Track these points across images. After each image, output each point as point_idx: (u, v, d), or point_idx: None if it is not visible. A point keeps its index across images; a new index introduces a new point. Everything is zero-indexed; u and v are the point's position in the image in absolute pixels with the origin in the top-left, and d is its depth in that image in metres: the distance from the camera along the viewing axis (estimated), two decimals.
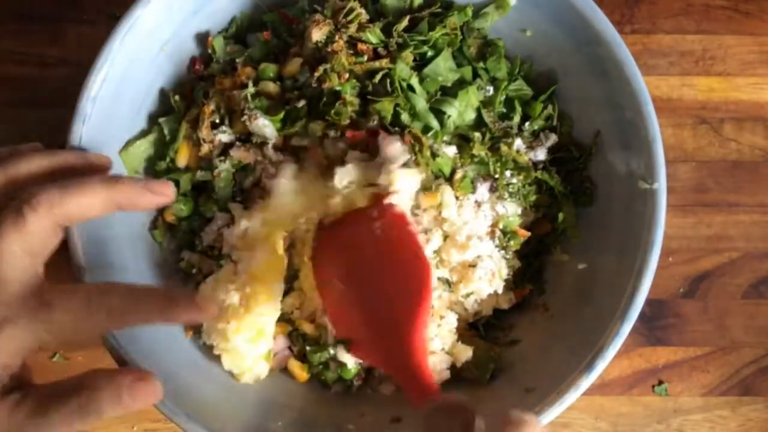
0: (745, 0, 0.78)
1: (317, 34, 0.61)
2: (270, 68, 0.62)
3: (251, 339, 0.58)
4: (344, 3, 0.61)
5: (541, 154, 0.64)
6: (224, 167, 0.61)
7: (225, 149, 0.62)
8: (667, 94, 0.76)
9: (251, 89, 0.61)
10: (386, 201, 0.57)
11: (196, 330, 0.61)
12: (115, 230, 0.59)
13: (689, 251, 0.74)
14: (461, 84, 0.62)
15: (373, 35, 0.61)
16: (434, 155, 0.59)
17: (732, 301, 0.74)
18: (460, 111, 0.61)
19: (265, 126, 0.60)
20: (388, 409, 0.61)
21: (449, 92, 0.61)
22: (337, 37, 0.60)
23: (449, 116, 0.60)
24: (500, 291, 0.62)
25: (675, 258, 0.75)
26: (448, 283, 0.61)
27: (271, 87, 0.61)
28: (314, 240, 0.60)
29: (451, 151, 0.60)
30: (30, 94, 0.75)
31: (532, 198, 0.63)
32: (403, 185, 0.57)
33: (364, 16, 0.62)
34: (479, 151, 0.61)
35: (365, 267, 0.57)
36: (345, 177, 0.58)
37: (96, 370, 0.47)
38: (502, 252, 0.62)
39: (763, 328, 0.74)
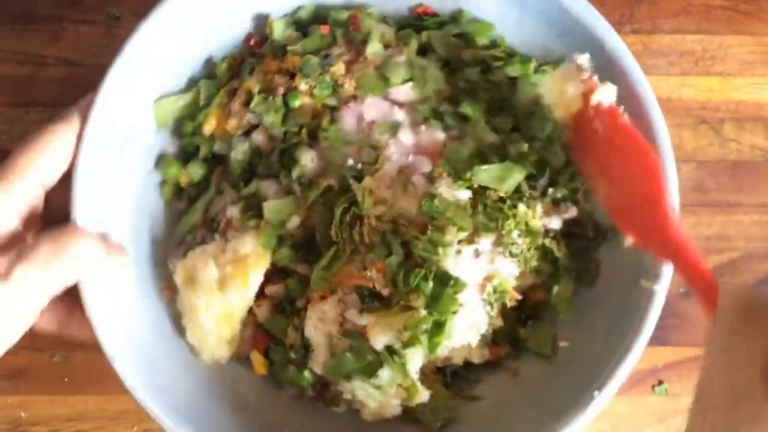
0: (745, 0, 0.78)
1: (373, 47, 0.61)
2: (313, 62, 0.61)
3: (218, 319, 0.58)
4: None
5: (555, 223, 0.61)
6: (242, 148, 0.61)
7: (250, 130, 0.62)
8: (667, 94, 0.76)
9: (257, 86, 0.61)
10: (593, 101, 0.57)
11: (173, 292, 0.61)
12: (123, 176, 0.59)
13: None
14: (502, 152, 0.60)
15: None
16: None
17: None
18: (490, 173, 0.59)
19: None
20: (331, 426, 0.61)
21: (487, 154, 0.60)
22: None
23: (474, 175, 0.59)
24: (474, 344, 0.60)
25: None
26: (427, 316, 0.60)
27: (303, 85, 0.61)
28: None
29: (465, 195, 0.59)
30: (30, 94, 0.75)
31: (533, 263, 0.61)
32: (604, 90, 0.57)
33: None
34: (494, 203, 0.59)
35: (605, 163, 0.58)
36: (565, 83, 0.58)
37: None
38: (488, 308, 0.60)
39: None
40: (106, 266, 0.53)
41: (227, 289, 0.58)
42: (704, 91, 0.77)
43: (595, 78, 0.57)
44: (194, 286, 0.58)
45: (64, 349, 0.71)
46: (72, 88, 0.74)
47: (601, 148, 0.58)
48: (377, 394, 0.58)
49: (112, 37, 0.75)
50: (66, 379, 0.71)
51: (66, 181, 0.54)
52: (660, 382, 0.73)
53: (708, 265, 0.48)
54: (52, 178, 0.53)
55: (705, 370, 0.41)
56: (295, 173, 0.60)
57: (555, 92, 0.59)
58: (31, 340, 0.70)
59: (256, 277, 0.59)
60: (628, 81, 0.58)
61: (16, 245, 0.49)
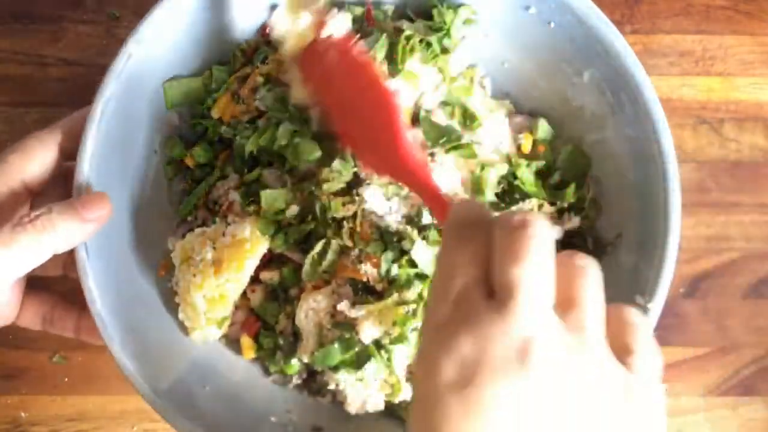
0: (745, 0, 0.78)
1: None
2: None
3: (211, 300, 0.59)
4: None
5: (556, 233, 0.61)
6: (247, 133, 0.62)
7: (257, 117, 0.63)
8: (667, 94, 0.76)
9: (261, 80, 0.61)
10: (324, 33, 0.56)
11: (169, 271, 0.61)
12: (127, 153, 0.60)
13: (689, 251, 0.74)
14: None
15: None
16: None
17: (732, 301, 0.74)
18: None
19: None
20: (314, 415, 0.61)
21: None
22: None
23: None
24: None
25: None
26: (415, 313, 0.59)
27: None
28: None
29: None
30: (30, 94, 0.75)
31: None
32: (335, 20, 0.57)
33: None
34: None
35: (341, 96, 0.57)
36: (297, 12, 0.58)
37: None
38: None
39: (763, 328, 0.74)
40: (84, 229, 0.53)
41: (223, 272, 0.58)
42: (704, 91, 0.77)
43: (332, 9, 0.57)
44: (191, 266, 0.59)
45: (64, 349, 0.71)
46: (72, 88, 0.75)
47: (336, 81, 0.57)
48: (360, 386, 0.59)
49: (112, 37, 0.75)
50: (66, 379, 0.71)
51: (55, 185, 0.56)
52: None
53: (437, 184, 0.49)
54: (32, 175, 0.54)
55: (432, 282, 0.41)
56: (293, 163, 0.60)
57: (287, 22, 0.58)
58: (31, 340, 0.71)
59: (252, 262, 0.59)
60: (632, 81, 0.58)
61: None
